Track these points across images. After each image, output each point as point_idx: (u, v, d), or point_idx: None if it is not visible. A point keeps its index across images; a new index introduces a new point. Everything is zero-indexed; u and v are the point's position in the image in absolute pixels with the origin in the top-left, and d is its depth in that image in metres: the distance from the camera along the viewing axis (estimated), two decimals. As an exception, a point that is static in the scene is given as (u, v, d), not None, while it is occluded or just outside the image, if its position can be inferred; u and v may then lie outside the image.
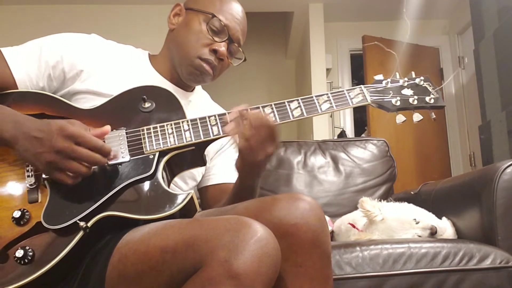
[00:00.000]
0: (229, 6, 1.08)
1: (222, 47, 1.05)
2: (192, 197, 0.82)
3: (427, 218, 1.36)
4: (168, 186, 0.92)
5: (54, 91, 1.01)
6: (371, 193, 1.81)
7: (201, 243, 0.67)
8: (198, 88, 1.22)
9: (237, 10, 1.09)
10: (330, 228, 1.54)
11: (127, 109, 0.94)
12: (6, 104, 0.91)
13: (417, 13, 3.42)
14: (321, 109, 0.95)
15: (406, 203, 1.45)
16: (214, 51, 1.05)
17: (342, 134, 3.84)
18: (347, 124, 4.06)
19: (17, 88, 0.96)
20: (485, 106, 2.56)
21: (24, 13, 3.64)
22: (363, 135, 4.03)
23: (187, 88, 1.14)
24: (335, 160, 1.91)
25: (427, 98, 1.00)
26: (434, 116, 1.01)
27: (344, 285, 1.12)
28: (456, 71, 3.85)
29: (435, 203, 1.51)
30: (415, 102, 0.99)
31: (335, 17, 3.85)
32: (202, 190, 1.19)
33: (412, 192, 1.68)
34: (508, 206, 1.21)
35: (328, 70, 3.94)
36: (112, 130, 0.89)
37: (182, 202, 0.81)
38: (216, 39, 1.05)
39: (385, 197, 1.81)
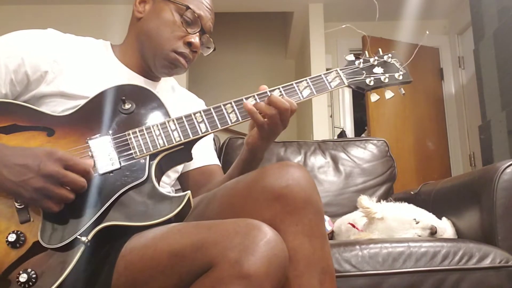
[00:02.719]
0: None
1: (196, 39, 1.02)
2: (189, 197, 0.81)
3: (427, 218, 1.36)
4: (158, 183, 0.90)
5: (17, 95, 0.95)
6: (371, 193, 1.81)
7: (209, 246, 0.67)
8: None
9: None
10: (330, 228, 1.54)
11: (106, 112, 0.89)
12: None
13: (417, 13, 3.43)
14: (302, 95, 0.94)
15: (406, 203, 1.45)
16: (189, 44, 1.02)
17: (342, 134, 3.84)
18: (347, 124, 4.06)
19: None
20: (485, 106, 2.56)
21: (24, 13, 3.64)
22: (363, 135, 4.03)
23: (155, 78, 1.11)
24: (335, 160, 1.91)
25: (396, 75, 1.01)
26: (404, 92, 1.03)
27: (344, 283, 1.12)
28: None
29: (435, 203, 1.51)
30: (386, 80, 1.01)
31: (335, 17, 3.85)
32: (183, 176, 1.16)
33: (412, 192, 1.68)
34: (508, 206, 1.21)
35: (328, 70, 3.94)
36: (96, 136, 0.85)
37: (181, 204, 0.79)
38: (190, 31, 1.02)
39: (385, 197, 1.81)
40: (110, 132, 0.86)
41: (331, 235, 1.54)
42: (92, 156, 0.83)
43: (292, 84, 0.95)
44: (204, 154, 1.16)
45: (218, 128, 0.90)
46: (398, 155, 2.17)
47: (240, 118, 0.91)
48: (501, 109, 2.38)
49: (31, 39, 0.97)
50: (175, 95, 1.17)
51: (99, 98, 0.90)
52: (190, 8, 1.01)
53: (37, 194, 0.74)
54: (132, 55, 1.06)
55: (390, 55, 1.04)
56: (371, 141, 1.97)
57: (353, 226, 1.44)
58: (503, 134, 2.35)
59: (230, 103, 0.91)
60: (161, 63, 1.03)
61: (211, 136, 1.25)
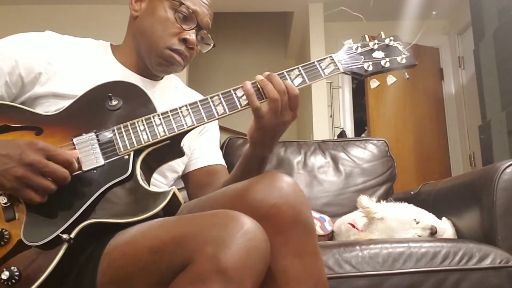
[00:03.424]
0: None
1: (192, 36, 1.00)
2: (174, 193, 0.78)
3: (427, 218, 1.36)
4: (148, 183, 0.90)
5: (14, 98, 0.95)
6: (371, 193, 1.80)
7: (188, 240, 0.66)
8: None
9: None
10: (330, 228, 1.54)
11: (94, 109, 0.88)
12: None
13: (417, 13, 3.43)
14: (294, 84, 0.90)
15: (406, 203, 1.45)
16: (184, 40, 1.00)
17: (342, 134, 3.84)
18: (347, 124, 4.06)
19: None
20: (485, 106, 2.56)
21: (24, 13, 3.64)
22: (363, 135, 4.03)
23: (155, 77, 1.08)
24: (335, 160, 1.91)
25: (398, 59, 0.96)
26: (408, 76, 0.98)
27: (344, 283, 1.12)
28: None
29: (435, 203, 1.51)
30: (387, 64, 0.95)
31: (335, 17, 3.85)
32: (187, 176, 1.14)
33: (412, 192, 1.68)
34: (508, 206, 1.21)
35: (328, 70, 3.94)
36: (81, 134, 0.85)
37: (165, 199, 0.77)
38: (185, 27, 1.00)
39: (385, 197, 1.81)
40: (95, 129, 0.86)
41: (331, 235, 1.54)
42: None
43: (283, 73, 0.91)
44: (209, 154, 1.14)
45: (204, 121, 0.87)
46: (398, 155, 2.17)
47: (227, 111, 0.88)
48: (501, 109, 2.38)
49: (26, 41, 0.97)
50: (178, 94, 1.15)
51: (86, 96, 0.90)
52: (183, 4, 0.99)
53: (18, 183, 0.74)
54: (129, 54, 1.05)
55: (392, 37, 0.98)
56: (371, 141, 1.97)
57: (353, 226, 1.44)
58: (503, 134, 2.35)
59: (218, 95, 0.88)
60: (156, 61, 1.01)
61: (217, 135, 1.22)
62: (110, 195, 0.80)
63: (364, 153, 1.93)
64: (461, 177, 1.46)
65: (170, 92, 1.13)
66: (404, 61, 0.96)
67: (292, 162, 1.89)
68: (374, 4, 3.73)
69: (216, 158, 1.15)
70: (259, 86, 0.88)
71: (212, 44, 1.08)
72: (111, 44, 1.10)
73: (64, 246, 0.74)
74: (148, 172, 0.91)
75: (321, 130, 3.56)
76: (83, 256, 0.77)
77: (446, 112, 3.94)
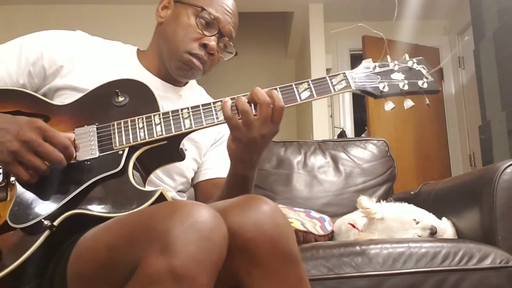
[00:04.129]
0: None
1: (212, 41, 1.01)
2: (162, 193, 0.77)
3: (427, 218, 1.36)
4: (144, 183, 0.90)
5: (36, 88, 0.99)
6: (371, 193, 1.81)
7: (139, 236, 0.62)
8: (193, 82, 1.18)
9: (228, 2, 1.05)
10: (330, 228, 1.53)
11: (100, 104, 0.91)
12: None
13: (417, 13, 3.43)
14: (300, 97, 0.87)
15: (406, 203, 1.45)
16: (204, 46, 1.01)
17: (342, 134, 3.84)
18: (347, 124, 4.06)
19: None
20: (485, 106, 2.56)
21: (23, 13, 3.64)
22: (363, 135, 4.03)
23: (178, 83, 1.10)
24: (335, 160, 1.91)
25: (419, 82, 0.91)
26: (428, 102, 0.93)
27: (344, 284, 1.12)
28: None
29: (435, 203, 1.51)
30: (406, 87, 0.91)
31: (335, 17, 3.85)
32: (196, 186, 1.14)
33: (412, 192, 1.68)
34: (508, 206, 1.21)
35: (328, 70, 3.94)
36: (83, 125, 0.87)
37: (151, 198, 0.76)
38: (206, 33, 1.01)
39: (385, 197, 1.81)
40: (98, 122, 0.88)
41: (331, 235, 1.54)
42: (74, 143, 0.84)
43: (291, 85, 0.89)
44: (219, 166, 1.12)
45: (203, 125, 0.86)
46: (398, 155, 2.17)
47: None
48: (501, 109, 2.38)
49: (54, 36, 1.02)
50: (199, 103, 1.16)
51: (96, 91, 0.93)
52: (206, 10, 1.01)
53: (10, 157, 0.75)
54: (152, 58, 1.08)
55: (415, 60, 0.93)
56: (371, 141, 1.97)
57: (353, 226, 1.44)
58: (503, 134, 2.35)
59: (221, 101, 0.88)
60: (176, 65, 1.03)
61: None
62: (99, 188, 0.80)
63: (364, 153, 1.93)
64: (461, 177, 1.45)
65: (191, 101, 1.12)
66: (425, 85, 0.92)
67: (292, 162, 1.89)
68: (374, 4, 3.73)
69: (225, 172, 1.13)
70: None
71: (234, 53, 1.08)
72: (138, 49, 1.13)
73: (46, 233, 0.74)
74: (144, 172, 0.91)
75: (321, 130, 3.56)
76: (63, 247, 0.77)
77: (446, 112, 3.94)
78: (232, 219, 0.70)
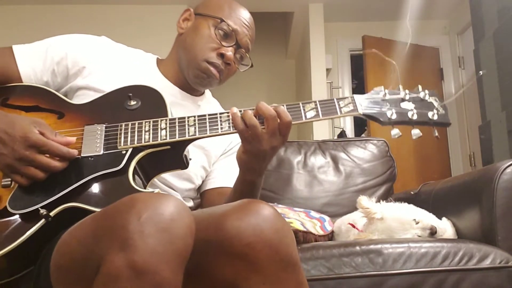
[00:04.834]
0: (238, 12, 1.09)
1: (229, 52, 1.05)
2: None
3: (427, 218, 1.36)
4: (144, 187, 0.91)
5: (59, 87, 1.04)
6: (371, 193, 1.81)
7: (103, 233, 0.61)
8: (208, 94, 1.21)
9: (246, 16, 1.10)
10: (330, 228, 1.54)
11: (113, 106, 0.95)
12: (6, 95, 0.95)
13: (417, 13, 3.42)
14: (305, 116, 0.88)
15: (406, 203, 1.45)
16: (221, 55, 1.05)
17: (342, 134, 3.85)
18: (347, 124, 4.06)
19: (22, 81, 1.00)
20: (485, 106, 2.56)
21: (24, 13, 3.64)
22: (363, 135, 4.03)
23: (195, 92, 1.14)
24: (335, 160, 1.91)
25: (430, 114, 0.92)
26: (437, 134, 0.92)
27: (344, 284, 1.12)
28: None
29: (435, 203, 1.51)
30: (415, 116, 0.91)
31: (335, 17, 3.85)
32: (202, 194, 1.16)
33: (412, 192, 1.68)
34: (508, 206, 1.21)
35: (328, 70, 3.94)
36: (94, 124, 0.91)
37: None
38: (224, 43, 1.06)
39: (385, 197, 1.81)
40: (108, 122, 0.92)
41: (331, 235, 1.54)
42: (82, 140, 0.89)
43: (298, 104, 0.90)
44: (226, 176, 1.13)
45: (206, 134, 0.88)
46: (398, 155, 2.17)
47: (231, 129, 0.88)
48: (501, 109, 2.38)
49: (79, 39, 1.08)
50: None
51: (112, 94, 0.98)
52: (224, 21, 1.05)
53: (7, 169, 0.81)
54: (171, 66, 1.12)
55: (428, 92, 0.94)
56: (371, 141, 1.97)
57: (353, 226, 1.44)
58: (503, 134, 2.35)
59: (228, 112, 0.90)
60: (193, 73, 1.06)
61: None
62: (99, 184, 0.83)
63: (364, 153, 1.93)
64: (461, 177, 1.45)
65: (208, 110, 1.11)
66: (436, 117, 0.92)
67: (292, 162, 1.89)
68: (374, 4, 3.73)
69: (231, 181, 1.12)
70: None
71: (250, 65, 1.12)
72: (157, 58, 1.17)
73: (41, 222, 0.77)
74: (144, 177, 0.92)
75: (321, 130, 3.57)
76: (56, 238, 0.76)
77: (446, 112, 3.94)
78: (231, 223, 0.69)
